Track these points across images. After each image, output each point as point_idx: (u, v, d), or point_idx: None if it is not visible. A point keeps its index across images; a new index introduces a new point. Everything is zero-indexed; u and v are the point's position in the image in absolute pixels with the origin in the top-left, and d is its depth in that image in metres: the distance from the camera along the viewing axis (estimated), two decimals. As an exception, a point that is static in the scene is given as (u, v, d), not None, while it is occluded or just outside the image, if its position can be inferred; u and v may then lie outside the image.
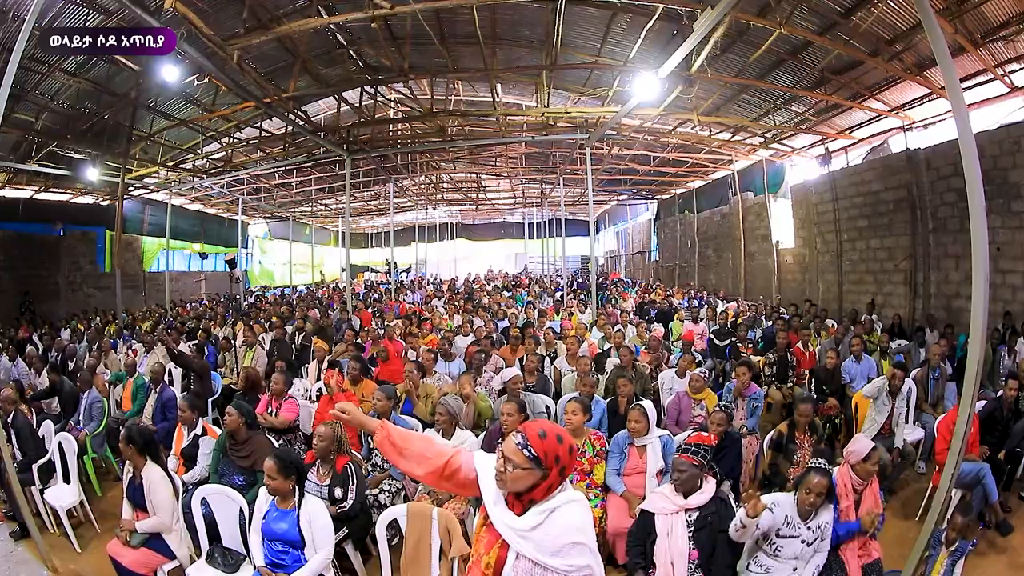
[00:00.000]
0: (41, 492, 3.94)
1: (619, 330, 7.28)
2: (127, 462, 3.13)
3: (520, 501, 1.56)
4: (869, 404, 4.51)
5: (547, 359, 6.03)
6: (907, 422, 4.68)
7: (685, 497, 2.67)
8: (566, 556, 1.49)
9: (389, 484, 3.65)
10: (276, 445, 3.69)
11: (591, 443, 3.49)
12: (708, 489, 2.69)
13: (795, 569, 2.64)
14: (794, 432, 3.81)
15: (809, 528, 2.63)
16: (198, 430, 3.86)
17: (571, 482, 3.02)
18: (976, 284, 2.66)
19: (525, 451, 1.52)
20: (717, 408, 3.77)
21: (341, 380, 4.56)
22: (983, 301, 2.63)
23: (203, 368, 5.60)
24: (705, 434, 2.82)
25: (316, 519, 2.70)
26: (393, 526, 2.87)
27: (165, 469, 3.12)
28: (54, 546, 3.65)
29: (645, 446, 3.50)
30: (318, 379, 5.78)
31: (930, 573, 2.68)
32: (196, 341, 7.48)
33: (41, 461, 4.10)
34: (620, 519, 3.23)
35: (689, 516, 2.65)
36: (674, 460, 2.75)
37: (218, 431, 3.81)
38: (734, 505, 2.84)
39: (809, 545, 2.63)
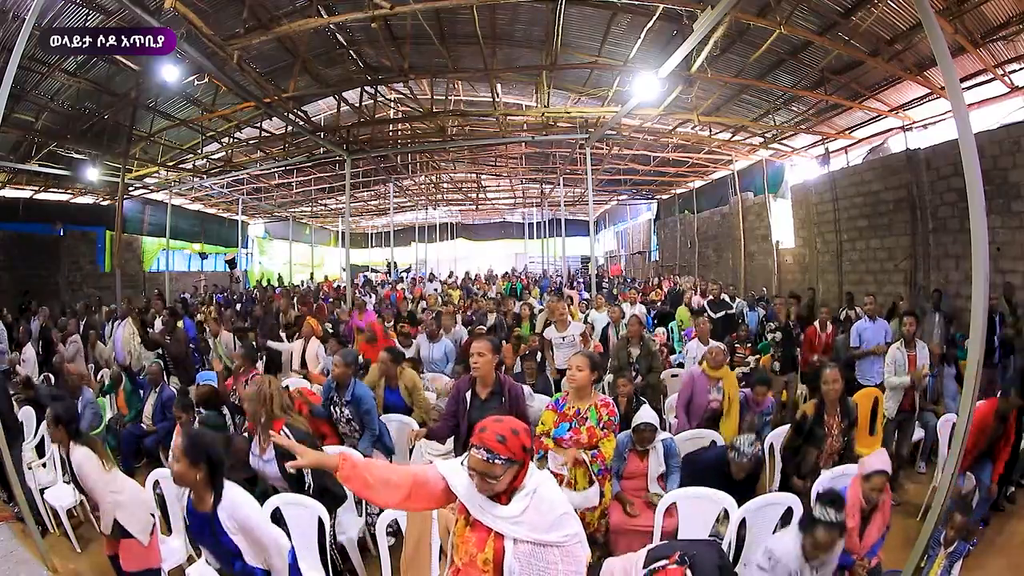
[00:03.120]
0: (41, 492, 3.94)
1: (618, 304, 7.23)
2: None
3: (505, 493, 1.63)
4: (873, 399, 4.43)
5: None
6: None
7: None
8: (560, 528, 1.60)
9: None
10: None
11: (596, 410, 2.94)
12: None
13: None
14: (822, 414, 3.25)
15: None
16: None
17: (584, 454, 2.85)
18: (976, 284, 2.66)
19: (498, 460, 1.58)
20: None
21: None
22: (983, 301, 2.63)
23: (180, 352, 5.51)
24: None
25: (247, 522, 2.12)
26: (393, 526, 2.87)
27: (92, 447, 2.91)
28: (54, 546, 3.64)
29: (647, 450, 3.28)
30: (303, 360, 5.75)
31: (928, 574, 2.68)
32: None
33: (42, 461, 4.10)
34: (623, 516, 3.14)
35: None
36: None
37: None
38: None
39: None
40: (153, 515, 2.90)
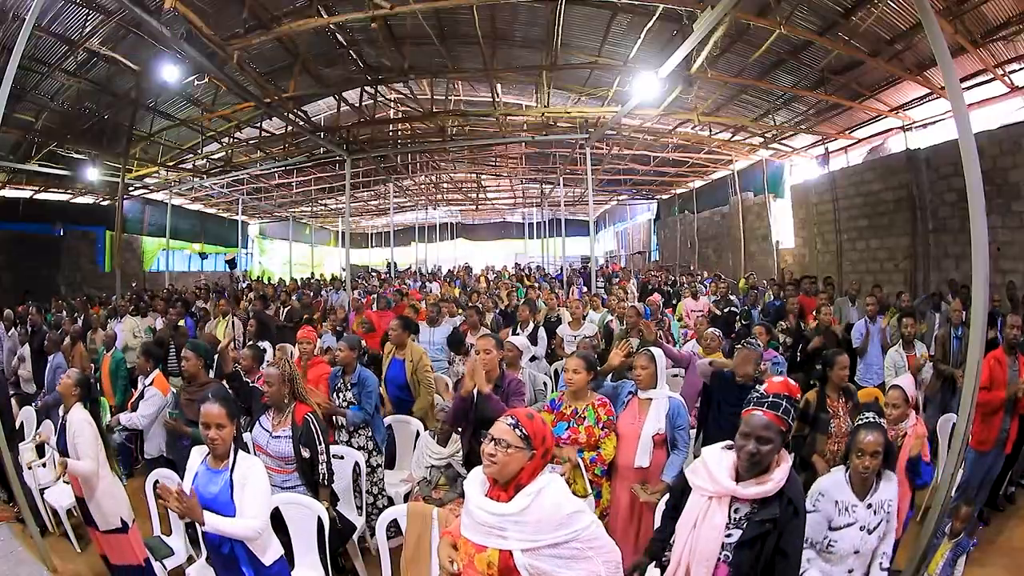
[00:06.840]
0: (41, 492, 3.94)
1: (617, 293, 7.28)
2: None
3: (506, 490, 1.62)
4: (873, 399, 4.46)
5: (542, 328, 5.89)
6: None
7: (738, 479, 1.73)
8: (570, 525, 1.56)
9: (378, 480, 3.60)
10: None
11: (594, 410, 2.90)
12: (778, 476, 1.69)
13: (851, 571, 2.20)
14: (825, 398, 3.23)
15: (870, 506, 2.19)
16: (148, 380, 3.84)
17: (580, 455, 2.85)
18: (976, 284, 2.67)
19: (517, 431, 1.61)
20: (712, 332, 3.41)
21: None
22: (983, 301, 2.64)
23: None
24: (792, 382, 1.81)
25: (250, 481, 2.20)
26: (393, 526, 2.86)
27: (96, 416, 2.96)
28: (54, 546, 3.64)
29: (650, 401, 2.96)
30: None
31: (929, 563, 2.67)
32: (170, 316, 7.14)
33: (42, 461, 4.09)
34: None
35: (736, 511, 1.73)
36: (751, 420, 1.71)
37: (171, 390, 3.80)
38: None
39: (871, 532, 2.18)
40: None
